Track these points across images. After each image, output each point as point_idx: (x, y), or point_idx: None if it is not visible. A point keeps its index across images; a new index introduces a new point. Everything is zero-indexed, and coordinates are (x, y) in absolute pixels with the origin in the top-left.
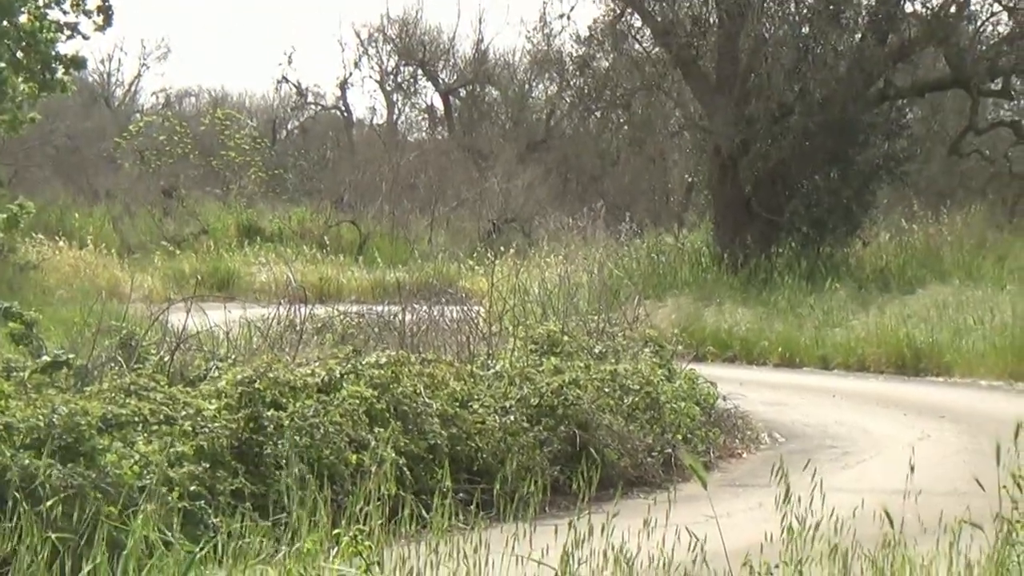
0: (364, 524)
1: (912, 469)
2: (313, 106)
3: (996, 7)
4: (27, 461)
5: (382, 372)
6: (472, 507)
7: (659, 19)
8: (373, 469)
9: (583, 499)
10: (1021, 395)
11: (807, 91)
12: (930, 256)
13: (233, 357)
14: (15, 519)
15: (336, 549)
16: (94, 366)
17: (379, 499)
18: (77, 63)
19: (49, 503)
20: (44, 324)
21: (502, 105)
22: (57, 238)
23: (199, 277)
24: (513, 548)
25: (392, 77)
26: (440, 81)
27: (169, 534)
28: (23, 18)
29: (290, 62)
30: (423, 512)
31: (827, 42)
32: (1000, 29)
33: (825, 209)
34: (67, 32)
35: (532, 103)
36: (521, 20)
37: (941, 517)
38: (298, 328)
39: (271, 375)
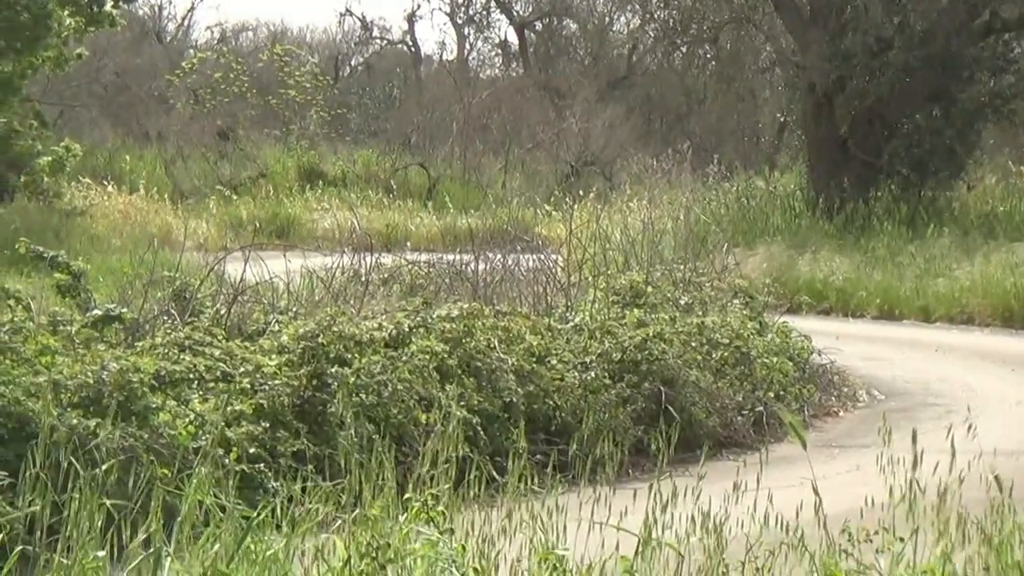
0: (433, 487)
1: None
2: (379, 41)
3: None
4: (75, 420)
5: (454, 326)
6: (549, 469)
7: None
8: (440, 428)
9: (666, 460)
10: None
11: (907, 24)
12: None
13: (294, 310)
14: (63, 482)
15: (404, 515)
16: (146, 320)
17: (447, 461)
18: None
19: (104, 467)
20: (92, 274)
21: (581, 40)
22: (106, 183)
23: (257, 224)
24: (592, 513)
25: (463, 9)
26: (515, 13)
27: (225, 498)
28: None
29: None
30: (497, 475)
31: None
32: None
33: (927, 150)
34: None
35: (613, 37)
36: None
37: None
38: (364, 279)
39: (335, 329)
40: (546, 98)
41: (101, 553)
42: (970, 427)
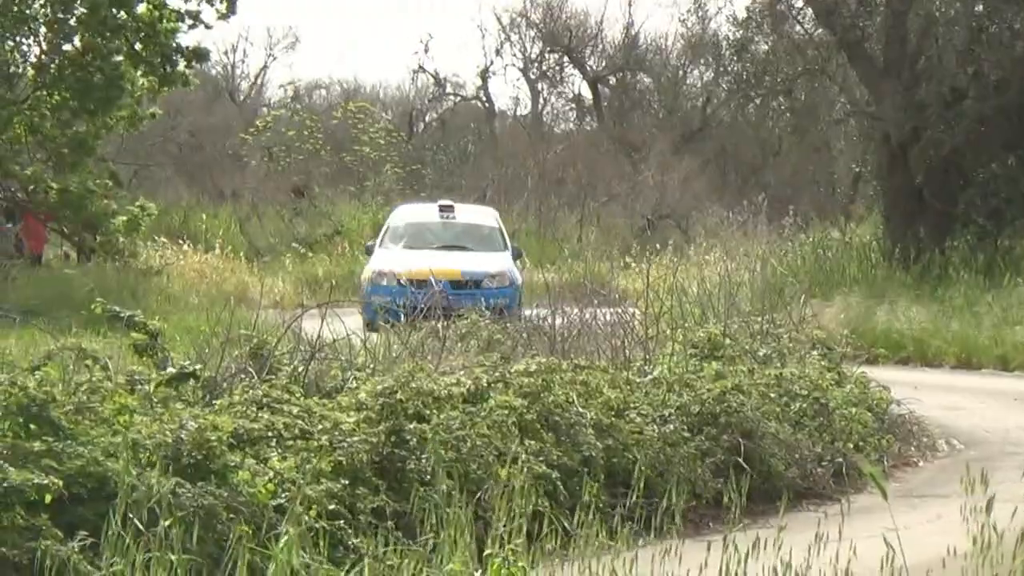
0: (511, 542)
1: None
2: (452, 97)
3: None
4: (154, 480)
5: (532, 380)
6: (628, 523)
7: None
8: (516, 484)
9: (745, 512)
10: None
11: (981, 73)
12: None
13: (372, 366)
14: (139, 541)
15: (484, 571)
16: (223, 378)
17: (525, 516)
18: (199, 55)
19: (172, 524)
20: (169, 333)
21: (654, 93)
22: (181, 241)
23: (333, 281)
24: (672, 565)
25: (536, 65)
26: (588, 68)
27: (310, 557)
28: (142, 7)
29: (427, 50)
30: (575, 530)
31: (1002, 20)
32: None
33: (1003, 199)
34: (188, 22)
35: (687, 90)
36: (674, 2)
37: None
38: (441, 334)
39: (413, 385)
40: (621, 152)
41: None
42: None
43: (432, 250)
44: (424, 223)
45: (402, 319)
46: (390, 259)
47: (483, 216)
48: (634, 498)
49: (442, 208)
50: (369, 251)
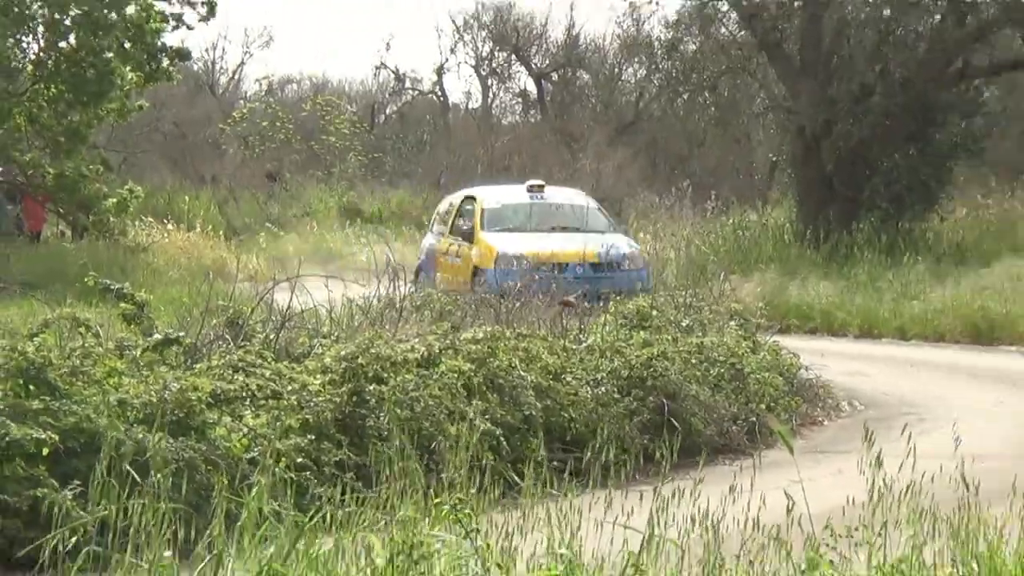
0: (461, 492)
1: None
2: (411, 91)
3: None
4: (141, 435)
5: (479, 347)
6: (565, 475)
7: (745, 3)
8: (464, 440)
9: (669, 466)
10: None
11: (888, 72)
12: (1005, 230)
13: (336, 334)
14: (129, 491)
15: (434, 517)
16: (203, 344)
17: (472, 468)
18: (182, 54)
19: (159, 474)
20: (154, 304)
21: (593, 88)
22: (165, 221)
23: (302, 258)
24: (605, 513)
25: (487, 62)
26: (533, 66)
27: (279, 504)
28: (131, 9)
29: (388, 48)
30: (518, 480)
31: (907, 24)
32: None
33: (904, 186)
34: (172, 23)
35: (622, 86)
36: (611, 6)
37: (1015, 481)
38: (398, 306)
39: (373, 351)
40: (561, 142)
41: (168, 554)
42: (941, 434)
43: (548, 232)
44: (519, 205)
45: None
46: (512, 242)
47: (578, 196)
48: (588, 455)
49: (531, 188)
50: (440, 234)
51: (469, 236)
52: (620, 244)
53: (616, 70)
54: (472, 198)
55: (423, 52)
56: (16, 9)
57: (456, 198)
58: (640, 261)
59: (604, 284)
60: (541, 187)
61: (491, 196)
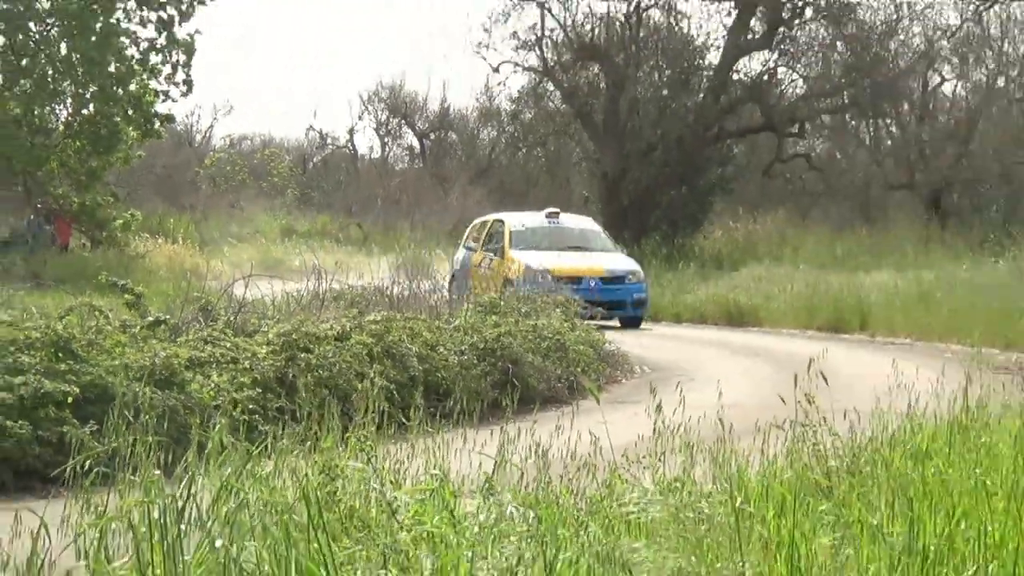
0: (364, 430)
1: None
2: (330, 146)
3: (795, 75)
4: (138, 389)
5: (378, 326)
6: (438, 418)
7: (565, 85)
8: (367, 392)
9: (511, 412)
10: (811, 340)
11: (666, 135)
12: (749, 246)
13: (276, 317)
14: (128, 428)
15: (345, 447)
16: (183, 324)
17: (374, 413)
18: (168, 118)
19: (149, 416)
20: (148, 296)
21: (459, 145)
22: (156, 237)
23: (253, 263)
24: (465, 445)
25: (384, 126)
26: (416, 128)
27: (234, 438)
28: (132, 87)
29: (315, 116)
30: (406, 421)
31: (680, 101)
32: (797, 91)
33: (679, 215)
34: (162, 97)
35: (479, 143)
36: (472, 87)
37: (757, 423)
38: (320, 297)
39: (302, 329)
40: (436, 183)
41: (157, 472)
42: (704, 389)
43: (567, 251)
44: (539, 227)
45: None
46: (537, 259)
47: (585, 222)
48: (455, 404)
49: (549, 215)
50: (470, 249)
51: (500, 252)
52: (623, 262)
53: (475, 131)
54: (501, 221)
55: (340, 118)
56: (51, 86)
57: (487, 220)
58: (639, 276)
59: (611, 295)
60: (557, 214)
61: (516, 220)
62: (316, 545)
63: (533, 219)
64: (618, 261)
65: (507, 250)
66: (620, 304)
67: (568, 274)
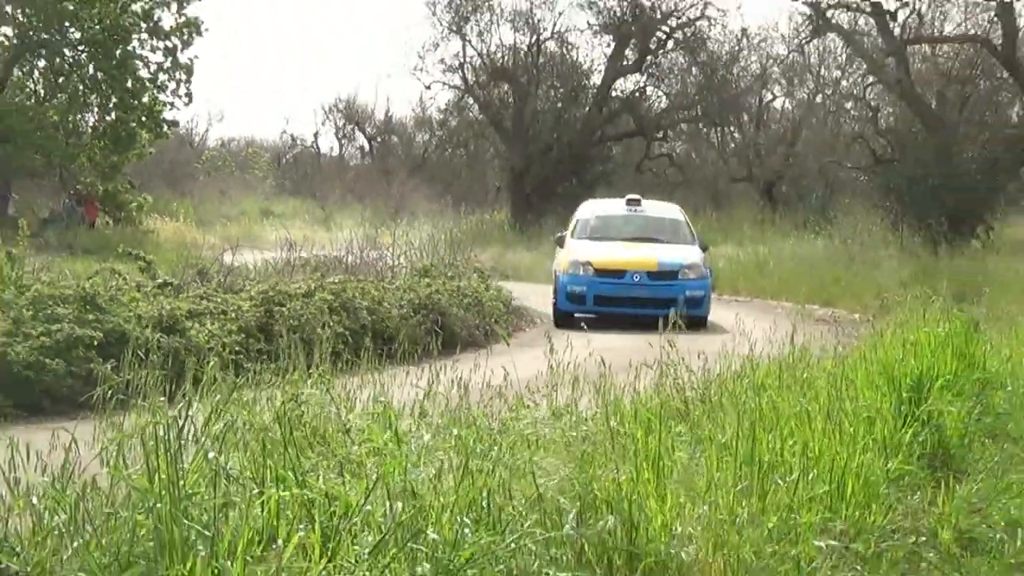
0: (325, 367)
1: (617, 338)
2: (300, 145)
3: (660, 93)
4: (148, 335)
5: (336, 286)
6: (383, 358)
7: (482, 100)
8: (327, 337)
9: (437, 353)
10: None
11: (560, 138)
12: None
13: (257, 279)
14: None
15: (310, 380)
16: (183, 284)
17: (332, 353)
18: (173, 124)
19: (156, 356)
20: (157, 262)
21: (399, 145)
22: (163, 216)
23: (239, 237)
24: (405, 378)
25: (341, 130)
26: (366, 132)
27: (224, 373)
28: (145, 98)
29: (287, 122)
30: (357, 360)
31: (570, 112)
32: (662, 105)
33: (571, 201)
34: (169, 106)
35: (415, 144)
36: (409, 100)
37: (630, 362)
38: (291, 264)
39: (278, 288)
40: (382, 176)
41: (162, 399)
42: (593, 337)
43: (624, 241)
44: (613, 215)
45: (590, 306)
46: (584, 250)
47: (668, 210)
48: (397, 347)
49: (629, 202)
50: (560, 242)
51: (562, 242)
52: (687, 256)
53: (412, 135)
54: (585, 209)
55: (309, 123)
56: (82, 99)
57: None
58: (700, 273)
59: (658, 291)
60: (638, 201)
61: (591, 207)
62: (287, 456)
63: (611, 207)
64: (680, 254)
65: (568, 240)
66: (670, 302)
67: (612, 267)
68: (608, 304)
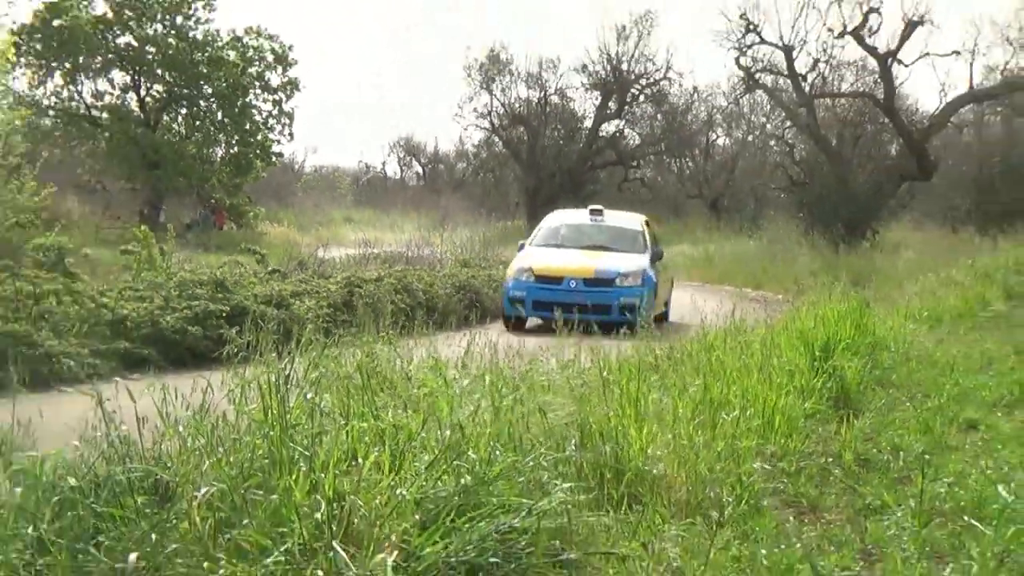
0: (392, 331)
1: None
2: (372, 170)
3: (634, 132)
4: (262, 309)
5: (399, 273)
6: (432, 326)
7: (505, 137)
8: (392, 310)
9: (476, 323)
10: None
11: (561, 166)
12: None
13: (341, 268)
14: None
15: (380, 341)
16: (288, 272)
17: (396, 322)
18: (279, 155)
19: (270, 324)
20: (269, 257)
21: (445, 171)
22: (273, 223)
23: (328, 238)
24: (450, 341)
25: (402, 159)
26: (420, 161)
27: (317, 337)
28: (259, 137)
29: (362, 153)
30: (413, 327)
31: (569, 147)
32: (635, 141)
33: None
34: (275, 143)
35: (457, 170)
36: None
37: (615, 330)
38: (366, 257)
39: (357, 274)
40: (432, 193)
41: (273, 355)
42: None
43: (576, 249)
44: (573, 224)
45: (529, 311)
46: (531, 257)
47: (629, 220)
48: (444, 319)
49: (592, 212)
50: (520, 248)
51: (522, 249)
52: (627, 264)
53: (454, 163)
54: (551, 217)
55: (377, 155)
56: (212, 137)
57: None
58: (639, 280)
59: (593, 298)
60: (600, 211)
61: (558, 217)
62: (364, 397)
63: (575, 216)
64: (621, 262)
65: (526, 247)
66: (604, 308)
67: (550, 274)
68: (545, 309)
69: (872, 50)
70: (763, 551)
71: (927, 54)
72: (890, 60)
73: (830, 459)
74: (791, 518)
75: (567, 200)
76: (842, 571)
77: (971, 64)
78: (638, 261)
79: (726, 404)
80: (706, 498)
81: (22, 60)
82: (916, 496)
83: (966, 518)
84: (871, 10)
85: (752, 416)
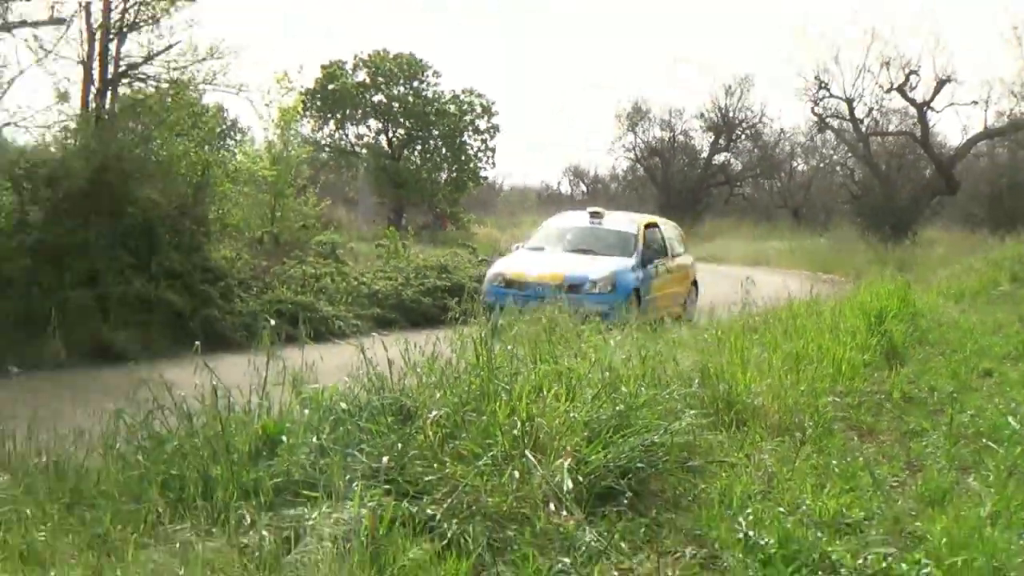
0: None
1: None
2: (550, 188)
3: (737, 161)
4: (475, 286)
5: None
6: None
7: (645, 165)
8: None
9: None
10: (743, 269)
11: (686, 185)
12: (729, 227)
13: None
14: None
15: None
16: (492, 259)
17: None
18: (484, 179)
19: (477, 296)
20: (479, 249)
21: (603, 190)
22: (480, 226)
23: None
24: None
25: (573, 180)
26: (586, 181)
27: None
28: (470, 165)
29: (542, 176)
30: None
31: (691, 173)
32: (738, 168)
33: (693, 220)
34: (482, 169)
35: (611, 189)
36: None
37: (725, 303)
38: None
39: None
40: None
41: (482, 318)
42: (708, 292)
43: (563, 253)
44: (568, 227)
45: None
46: (507, 263)
47: (626, 223)
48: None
49: (592, 214)
50: (515, 250)
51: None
52: (600, 270)
53: (609, 183)
54: (552, 220)
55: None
56: (437, 164)
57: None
58: (609, 286)
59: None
60: (600, 214)
61: (558, 219)
62: (547, 347)
63: (574, 219)
64: (594, 268)
65: (517, 249)
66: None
67: (520, 279)
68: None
69: (912, 101)
70: (834, 462)
71: (953, 103)
72: (925, 108)
73: (883, 396)
74: (854, 438)
75: (690, 212)
76: (893, 477)
77: (985, 111)
78: (615, 266)
79: (806, 356)
80: (792, 423)
81: (307, 113)
82: (947, 424)
83: (984, 440)
84: (911, 72)
85: (826, 365)
